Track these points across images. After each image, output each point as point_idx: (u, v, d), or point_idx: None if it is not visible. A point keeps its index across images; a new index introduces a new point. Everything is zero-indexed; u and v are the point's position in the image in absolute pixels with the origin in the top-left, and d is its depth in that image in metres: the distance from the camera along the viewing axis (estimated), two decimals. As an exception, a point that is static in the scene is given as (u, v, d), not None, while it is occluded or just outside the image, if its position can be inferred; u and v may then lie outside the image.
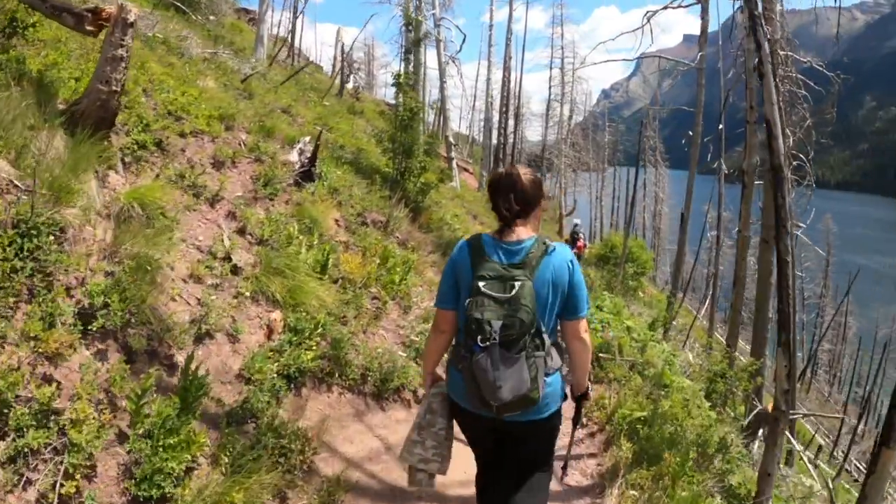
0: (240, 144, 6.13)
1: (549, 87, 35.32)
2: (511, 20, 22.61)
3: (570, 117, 39.56)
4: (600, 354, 6.69)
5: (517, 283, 2.01)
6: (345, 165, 8.79)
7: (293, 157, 6.62)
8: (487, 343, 1.98)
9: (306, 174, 6.59)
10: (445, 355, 2.44)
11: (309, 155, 6.75)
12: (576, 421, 2.56)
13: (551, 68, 35.31)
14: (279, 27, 22.14)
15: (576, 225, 17.84)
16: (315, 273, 5.00)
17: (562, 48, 36.20)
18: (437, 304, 2.29)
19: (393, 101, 10.84)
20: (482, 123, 28.86)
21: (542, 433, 2.26)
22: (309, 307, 4.56)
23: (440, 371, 2.49)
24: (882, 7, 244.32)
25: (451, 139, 18.50)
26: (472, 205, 16.34)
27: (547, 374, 2.11)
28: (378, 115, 16.68)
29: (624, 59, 14.52)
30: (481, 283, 2.03)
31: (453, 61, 19.16)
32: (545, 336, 2.11)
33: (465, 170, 23.57)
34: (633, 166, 50.26)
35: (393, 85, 9.67)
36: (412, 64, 16.81)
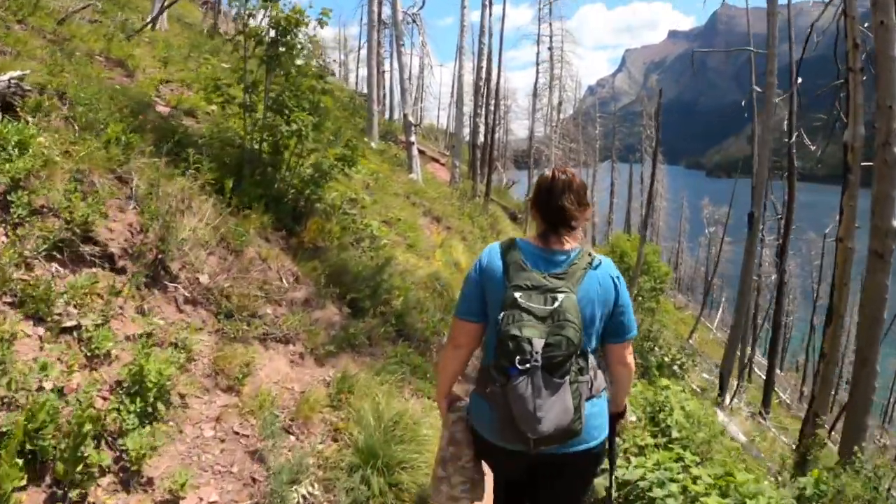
0: None
1: (537, 66, 30.85)
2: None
3: (560, 104, 35.88)
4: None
5: (560, 296, 1.74)
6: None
7: None
8: (528, 365, 1.66)
9: None
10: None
11: None
12: (610, 442, 2.11)
13: (538, 45, 30.87)
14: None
15: None
16: None
17: (549, 24, 32.07)
18: (457, 313, 1.99)
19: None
20: (467, 118, 25.11)
21: (583, 465, 1.94)
22: None
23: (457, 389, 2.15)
24: None
25: (410, 118, 14.07)
26: (436, 204, 11.93)
27: (590, 398, 1.85)
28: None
29: None
30: (518, 294, 1.75)
31: (414, 21, 14.67)
32: (590, 357, 1.87)
33: (436, 161, 19.23)
34: (629, 162, 46.88)
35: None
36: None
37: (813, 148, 10.08)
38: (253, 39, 4.96)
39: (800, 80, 9.04)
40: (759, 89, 9.81)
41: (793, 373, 28.29)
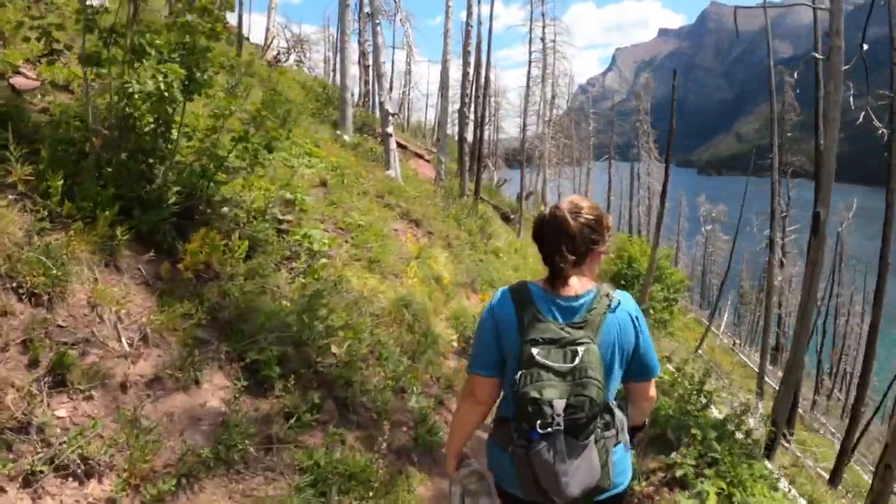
0: None
1: (529, 54, 29.07)
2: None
3: (553, 98, 34.23)
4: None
5: (581, 349, 1.60)
6: None
7: None
8: (549, 430, 1.53)
9: None
10: None
11: None
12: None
13: (530, 32, 29.09)
14: None
15: None
16: None
17: (542, 15, 30.31)
18: (473, 369, 1.82)
19: None
20: (454, 116, 23.18)
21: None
22: None
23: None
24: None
25: (388, 107, 12.20)
26: (416, 204, 10.10)
27: (616, 444, 1.74)
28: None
29: None
30: (535, 350, 1.61)
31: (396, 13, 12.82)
32: (614, 410, 1.75)
33: (421, 157, 17.36)
34: (627, 160, 45.44)
35: None
36: None
37: (883, 131, 8.32)
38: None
39: (865, 46, 7.20)
40: (819, 56, 7.97)
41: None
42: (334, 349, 3.81)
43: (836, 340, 27.88)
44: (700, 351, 16.06)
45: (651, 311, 11.14)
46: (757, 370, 23.41)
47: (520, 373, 1.59)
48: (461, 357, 5.78)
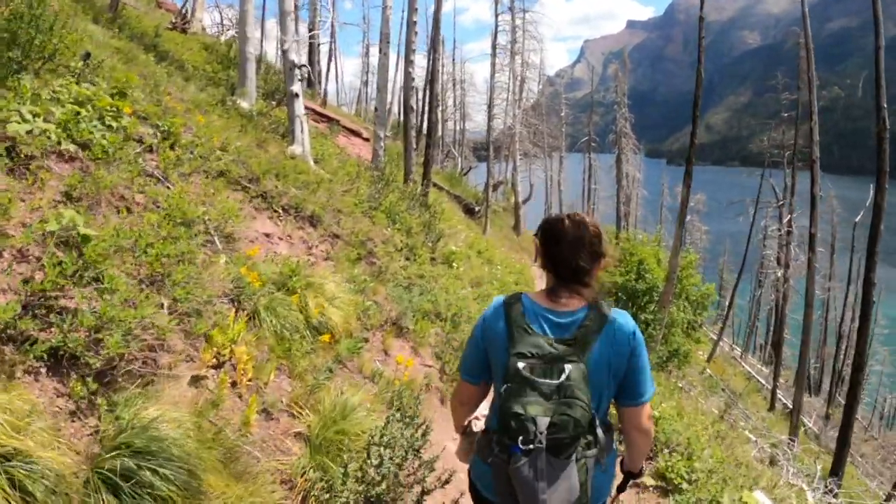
0: None
1: (495, 26, 25.65)
2: None
3: (523, 82, 31.00)
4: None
5: (567, 367, 1.58)
6: None
7: None
8: (531, 447, 1.51)
9: None
10: None
11: None
12: (621, 489, 2.03)
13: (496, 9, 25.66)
14: None
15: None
16: None
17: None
18: (462, 373, 1.89)
19: None
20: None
21: None
22: None
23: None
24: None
25: (292, 56, 8.65)
26: (318, 193, 6.64)
27: (598, 465, 1.68)
28: None
29: None
30: (521, 365, 1.59)
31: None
32: (598, 430, 1.67)
33: (357, 134, 13.83)
34: (601, 152, 42.64)
35: None
36: None
37: None
38: None
39: None
40: None
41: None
42: None
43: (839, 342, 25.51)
44: (708, 370, 13.04)
45: (672, 337, 7.95)
46: (763, 381, 20.82)
47: (505, 386, 1.58)
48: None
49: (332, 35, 26.46)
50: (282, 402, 3.28)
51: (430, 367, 4.96)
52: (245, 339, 3.32)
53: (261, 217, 5.51)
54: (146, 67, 6.97)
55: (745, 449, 6.74)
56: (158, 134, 5.07)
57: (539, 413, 1.50)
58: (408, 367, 4.20)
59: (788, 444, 8.71)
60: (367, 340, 4.48)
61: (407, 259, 6.93)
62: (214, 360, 3.23)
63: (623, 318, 1.71)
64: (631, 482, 2.06)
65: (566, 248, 1.69)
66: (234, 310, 3.56)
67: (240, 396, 3.11)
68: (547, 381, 1.54)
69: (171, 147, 5.07)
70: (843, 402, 24.51)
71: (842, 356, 22.36)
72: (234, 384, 3.13)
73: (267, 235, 5.22)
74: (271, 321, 3.63)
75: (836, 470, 8.19)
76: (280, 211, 5.73)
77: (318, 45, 28.77)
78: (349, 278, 5.24)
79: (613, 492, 2.00)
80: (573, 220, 1.71)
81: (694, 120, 10.92)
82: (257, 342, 3.50)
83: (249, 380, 3.19)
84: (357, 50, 30.05)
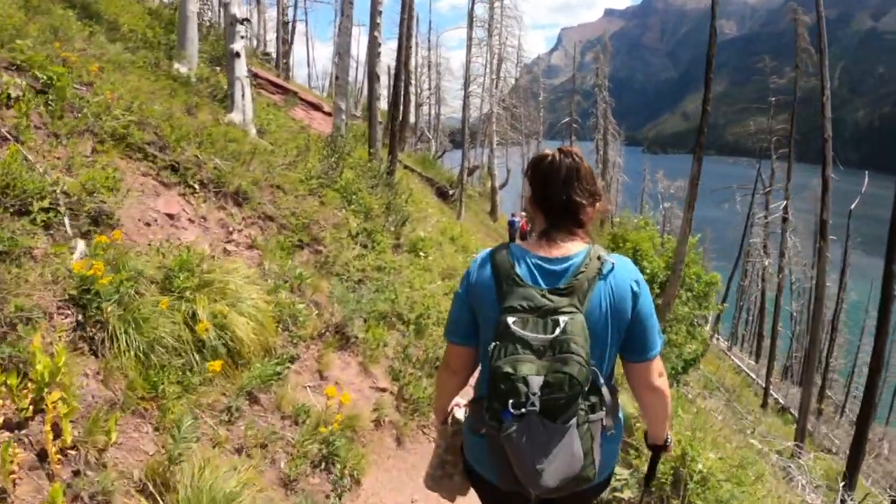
0: None
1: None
2: None
3: (500, 62, 29.77)
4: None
5: (563, 319, 1.36)
6: None
7: None
8: (522, 410, 1.30)
9: None
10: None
11: None
12: (649, 478, 1.85)
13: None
14: None
15: (512, 217, 15.88)
16: None
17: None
18: (447, 335, 1.65)
19: None
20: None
21: (587, 497, 1.66)
22: None
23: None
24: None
25: (234, 11, 7.30)
26: (254, 167, 5.40)
27: (605, 434, 1.48)
28: None
29: None
30: (511, 320, 1.38)
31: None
32: (603, 389, 1.46)
33: (318, 108, 12.51)
34: (584, 139, 41.63)
35: None
36: None
37: None
38: None
39: None
40: None
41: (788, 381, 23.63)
42: None
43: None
44: (701, 368, 12.17)
45: (673, 332, 6.99)
46: (753, 375, 20.22)
47: (493, 344, 1.37)
48: None
49: (305, 15, 24.70)
50: (131, 479, 2.08)
51: (383, 390, 3.79)
52: (72, 373, 2.11)
53: (168, 194, 4.25)
54: (60, 22, 5.61)
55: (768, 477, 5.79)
56: (34, 87, 3.84)
57: (531, 372, 1.32)
58: (343, 405, 3.01)
59: (797, 451, 7.87)
60: (293, 360, 3.29)
61: (364, 247, 5.73)
62: (32, 406, 2.03)
63: (624, 262, 1.52)
64: (658, 465, 1.83)
65: (559, 182, 1.50)
66: (73, 326, 2.35)
67: (49, 477, 1.91)
68: (540, 336, 1.35)
69: (47, 104, 3.84)
70: (830, 395, 24.20)
71: (825, 346, 21.96)
72: (40, 455, 1.93)
73: (170, 216, 3.98)
74: (132, 341, 2.42)
75: (850, 482, 7.40)
76: (196, 186, 4.48)
77: (290, 22, 27.03)
78: (280, 273, 4.04)
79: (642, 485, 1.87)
80: (565, 153, 1.54)
81: (706, 83, 10.10)
82: (104, 376, 2.30)
83: (70, 446, 1.99)
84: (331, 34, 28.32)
